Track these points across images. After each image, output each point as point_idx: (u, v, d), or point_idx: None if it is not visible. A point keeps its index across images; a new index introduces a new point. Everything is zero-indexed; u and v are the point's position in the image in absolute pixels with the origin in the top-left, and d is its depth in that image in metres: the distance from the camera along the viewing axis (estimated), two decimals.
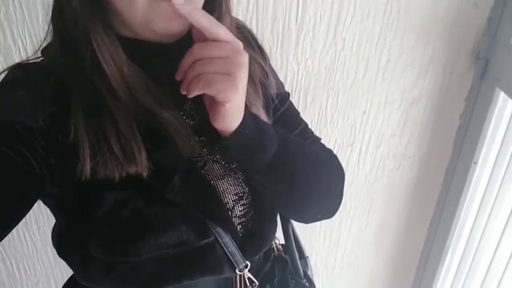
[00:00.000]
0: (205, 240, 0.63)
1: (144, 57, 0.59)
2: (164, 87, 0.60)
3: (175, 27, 0.55)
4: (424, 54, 1.18)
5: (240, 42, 0.53)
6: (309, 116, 1.22)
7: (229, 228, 0.64)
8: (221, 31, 0.52)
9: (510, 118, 1.17)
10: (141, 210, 0.59)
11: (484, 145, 1.22)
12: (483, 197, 1.29)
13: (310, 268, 0.86)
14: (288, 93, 0.79)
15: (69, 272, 0.71)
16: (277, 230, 0.76)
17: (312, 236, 1.42)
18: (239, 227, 0.67)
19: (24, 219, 1.28)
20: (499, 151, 1.21)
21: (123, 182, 0.57)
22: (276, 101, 0.73)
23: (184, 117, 0.64)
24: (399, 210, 1.45)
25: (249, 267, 0.68)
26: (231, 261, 0.66)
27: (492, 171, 1.25)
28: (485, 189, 1.28)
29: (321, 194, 0.71)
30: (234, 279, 0.70)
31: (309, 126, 0.79)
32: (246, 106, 0.58)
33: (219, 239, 0.63)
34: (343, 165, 0.74)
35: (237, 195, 0.66)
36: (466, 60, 1.20)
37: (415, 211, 1.46)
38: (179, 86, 0.57)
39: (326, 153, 0.75)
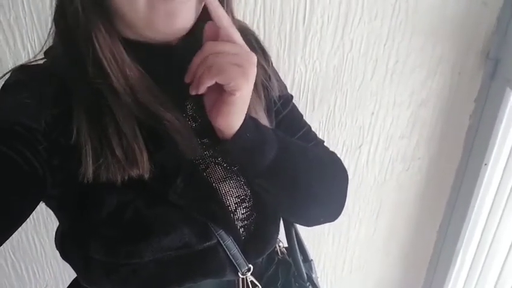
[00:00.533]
0: (207, 243, 0.63)
1: (146, 59, 0.59)
2: (167, 89, 0.60)
3: (177, 24, 0.55)
4: (433, 54, 1.17)
5: (247, 46, 0.55)
6: (317, 117, 1.20)
7: (231, 230, 0.64)
8: (236, 33, 0.55)
9: None
10: (143, 212, 0.59)
11: (495, 146, 1.20)
12: (494, 199, 1.27)
13: (315, 271, 0.85)
14: (291, 96, 0.78)
15: None
16: (281, 232, 0.75)
17: (320, 238, 1.41)
18: (241, 229, 0.66)
19: (33, 222, 1.29)
20: (510, 152, 1.20)
21: (125, 184, 0.57)
22: (278, 104, 0.73)
23: (186, 119, 0.64)
24: (408, 212, 1.43)
25: (251, 271, 0.68)
26: (233, 264, 0.65)
27: (503, 173, 1.23)
28: (496, 191, 1.26)
29: (324, 197, 0.70)
30: (236, 282, 0.69)
31: (317, 128, 0.78)
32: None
33: (221, 242, 0.63)
34: (352, 168, 0.74)
35: (239, 198, 0.66)
36: (475, 60, 1.19)
37: (425, 213, 1.44)
38: (181, 87, 0.57)
39: (328, 156, 0.75)
